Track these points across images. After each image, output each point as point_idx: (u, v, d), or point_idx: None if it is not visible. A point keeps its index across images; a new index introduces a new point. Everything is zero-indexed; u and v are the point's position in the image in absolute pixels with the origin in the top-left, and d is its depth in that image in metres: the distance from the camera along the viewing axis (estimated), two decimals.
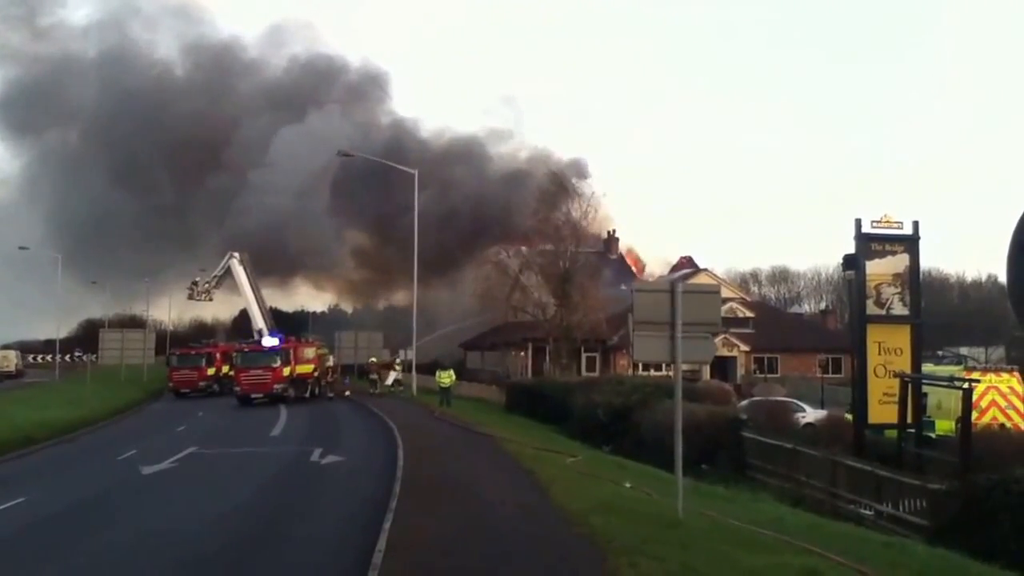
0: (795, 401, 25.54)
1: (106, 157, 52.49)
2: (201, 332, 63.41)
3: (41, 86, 54.82)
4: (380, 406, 27.66)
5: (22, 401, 31.80)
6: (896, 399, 14.94)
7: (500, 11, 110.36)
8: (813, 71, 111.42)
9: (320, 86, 54.12)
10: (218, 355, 40.26)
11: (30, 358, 69.77)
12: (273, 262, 45.29)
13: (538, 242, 37.26)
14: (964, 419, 13.35)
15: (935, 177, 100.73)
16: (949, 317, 54.59)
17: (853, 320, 17.75)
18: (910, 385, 15.02)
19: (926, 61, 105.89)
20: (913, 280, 16.21)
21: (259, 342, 35.12)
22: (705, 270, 44.89)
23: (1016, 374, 17.97)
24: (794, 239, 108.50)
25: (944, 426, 15.93)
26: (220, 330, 63.55)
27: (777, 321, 45.01)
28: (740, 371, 39.58)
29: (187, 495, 12.67)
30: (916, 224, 16.34)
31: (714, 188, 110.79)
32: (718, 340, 34.68)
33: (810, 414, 23.70)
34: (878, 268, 15.98)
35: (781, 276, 72.97)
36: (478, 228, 45.87)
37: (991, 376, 17.50)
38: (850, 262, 16.25)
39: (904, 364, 15.63)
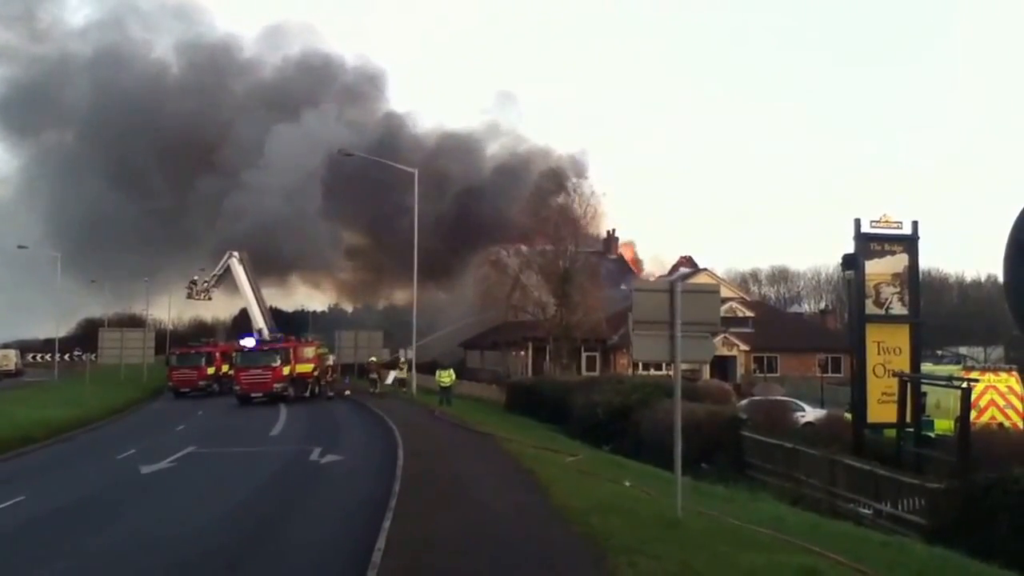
0: (794, 400, 25.55)
1: (104, 157, 52.54)
2: (201, 331, 63.31)
3: (38, 86, 54.89)
4: (380, 406, 27.66)
5: (21, 400, 31.79)
6: (895, 398, 14.96)
7: (503, 10, 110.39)
8: (813, 73, 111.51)
9: (316, 85, 54.17)
10: (218, 354, 40.24)
11: (29, 357, 69.73)
12: (268, 262, 45.28)
13: (537, 241, 37.28)
14: (963, 418, 13.37)
15: (934, 177, 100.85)
16: (948, 317, 54.64)
17: (852, 320, 17.75)
18: (909, 384, 15.04)
19: (925, 62, 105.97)
20: (912, 280, 16.23)
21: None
22: (705, 270, 44.93)
23: (1015, 374, 17.99)
24: (794, 239, 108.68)
25: (943, 425, 15.95)
26: (220, 329, 63.54)
27: (777, 321, 45.05)
28: (740, 370, 39.61)
29: (186, 494, 12.68)
30: (915, 224, 16.36)
31: (714, 188, 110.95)
32: (718, 340, 34.71)
33: (809, 413, 23.71)
34: (877, 268, 16.00)
35: (781, 276, 73.06)
36: (476, 227, 45.88)
37: (990, 376, 17.51)
38: (849, 262, 16.27)
39: (903, 364, 15.65)
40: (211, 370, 39.24)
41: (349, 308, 72.62)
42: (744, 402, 25.61)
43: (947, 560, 8.36)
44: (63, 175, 55.02)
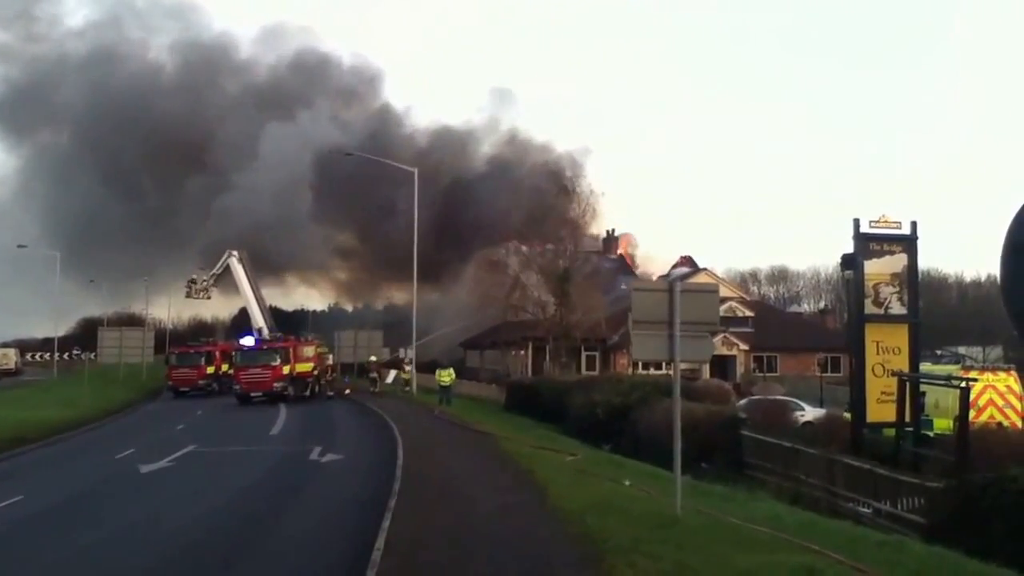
0: (794, 400, 25.57)
1: (100, 157, 52.60)
2: (200, 331, 63.34)
3: (35, 87, 54.96)
4: (380, 405, 27.68)
5: (20, 399, 31.82)
6: (894, 398, 14.98)
7: (502, 8, 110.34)
8: (814, 73, 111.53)
9: (311, 84, 54.26)
10: (217, 354, 40.24)
11: (28, 356, 69.71)
12: (260, 261, 45.33)
13: (536, 241, 37.29)
14: (961, 418, 13.39)
15: (934, 177, 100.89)
16: (947, 317, 54.68)
17: (851, 319, 17.77)
18: (908, 384, 15.07)
19: (925, 63, 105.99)
20: (911, 280, 16.26)
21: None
22: (705, 269, 44.94)
23: (1013, 373, 18.02)
24: (793, 239, 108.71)
25: (942, 425, 15.97)
26: (220, 329, 63.55)
27: (776, 320, 45.06)
28: (739, 370, 39.61)
29: (185, 493, 12.68)
30: (914, 224, 16.39)
31: (714, 188, 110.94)
32: (717, 339, 34.72)
33: (809, 413, 23.73)
34: (876, 268, 16.03)
35: (780, 275, 73.12)
36: (473, 226, 45.88)
37: (988, 375, 17.55)
38: (848, 262, 16.29)
39: (902, 363, 15.67)
40: (211, 369, 39.24)
41: (349, 307, 72.66)
42: (743, 401, 25.63)
43: (945, 559, 8.37)
44: (60, 175, 55.06)
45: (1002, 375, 17.73)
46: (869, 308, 15.97)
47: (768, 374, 38.47)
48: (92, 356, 42.09)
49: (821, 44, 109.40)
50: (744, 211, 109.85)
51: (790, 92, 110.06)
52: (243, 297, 40.91)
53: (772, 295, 71.01)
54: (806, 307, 67.57)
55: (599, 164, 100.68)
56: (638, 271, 48.95)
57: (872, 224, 16.09)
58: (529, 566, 7.23)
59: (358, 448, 17.53)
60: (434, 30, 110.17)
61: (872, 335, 15.88)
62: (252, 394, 31.97)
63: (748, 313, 41.33)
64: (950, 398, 15.34)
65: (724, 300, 36.76)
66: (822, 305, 64.08)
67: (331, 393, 35.28)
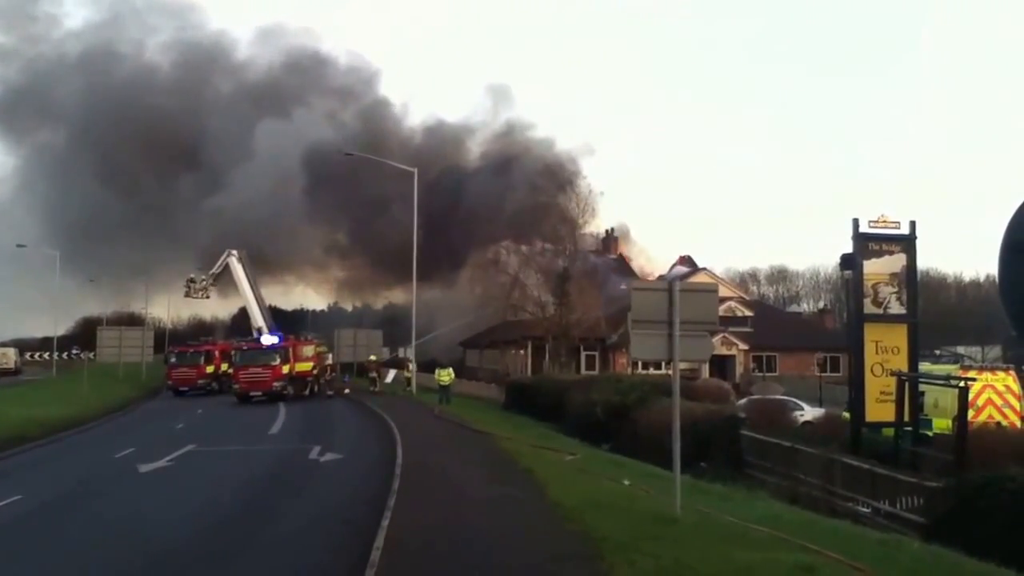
0: (793, 399, 25.60)
1: (99, 157, 52.61)
2: (200, 330, 63.33)
3: (33, 86, 54.96)
4: (379, 404, 27.67)
5: (19, 398, 31.78)
6: (893, 398, 15.01)
7: (501, 7, 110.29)
8: (812, 73, 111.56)
9: (306, 83, 54.31)
10: (217, 353, 40.22)
11: (27, 356, 69.70)
12: (258, 260, 45.30)
13: (535, 240, 37.30)
14: (960, 417, 13.43)
15: (933, 177, 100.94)
16: (946, 316, 54.74)
17: (851, 319, 17.80)
18: (907, 384, 15.10)
19: (925, 62, 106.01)
20: (910, 279, 16.28)
21: (258, 340, 35.14)
22: (704, 269, 44.97)
23: (1012, 373, 18.03)
24: (792, 239, 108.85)
25: (941, 424, 15.99)
26: (219, 328, 63.55)
27: (775, 320, 45.09)
28: (739, 370, 39.64)
29: (184, 493, 12.68)
30: (913, 224, 16.43)
31: (714, 188, 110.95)
32: (717, 339, 34.75)
33: (808, 412, 23.77)
34: (875, 267, 16.05)
35: (780, 275, 73.19)
36: (471, 226, 45.87)
37: (987, 375, 17.55)
38: (848, 261, 16.31)
39: (901, 363, 15.69)
40: (210, 369, 39.23)
41: (348, 307, 72.65)
42: (743, 401, 25.66)
43: (943, 558, 8.39)
44: (59, 174, 55.10)
45: (1001, 375, 17.75)
46: (868, 308, 16.00)
47: (767, 374, 38.51)
48: (91, 355, 42.09)
49: (822, 44, 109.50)
50: (743, 211, 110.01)
51: (791, 93, 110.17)
52: (242, 296, 40.85)
53: (771, 295, 71.08)
54: (805, 307, 67.64)
55: (598, 163, 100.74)
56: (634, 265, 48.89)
57: (871, 224, 16.11)
58: (529, 565, 7.23)
59: (357, 447, 17.53)
60: (432, 29, 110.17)
61: (871, 335, 15.91)
62: (251, 393, 31.96)
63: (747, 313, 41.36)
64: (949, 398, 15.36)
65: (723, 300, 36.78)
66: (821, 305, 64.13)
67: (330, 392, 35.27)
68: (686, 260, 49.05)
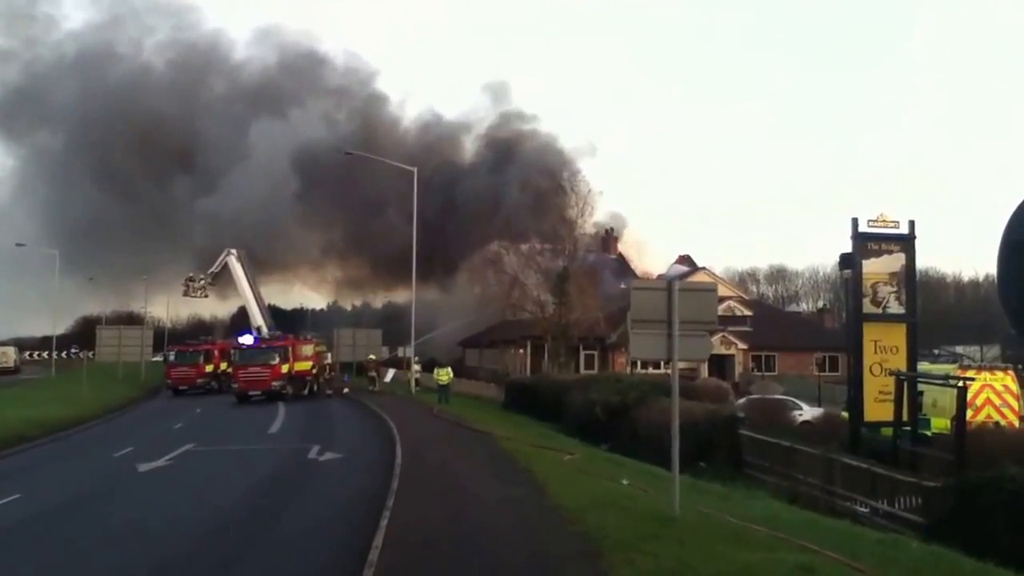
0: (792, 399, 25.63)
1: (97, 157, 52.61)
2: (199, 329, 63.31)
3: (32, 87, 54.92)
4: (379, 404, 27.66)
5: (18, 398, 31.76)
6: (892, 397, 15.02)
7: (498, 6, 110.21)
8: (811, 71, 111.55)
9: (304, 83, 54.27)
10: (216, 352, 40.22)
11: (26, 355, 69.69)
12: (256, 260, 45.32)
13: (535, 239, 37.30)
14: (959, 417, 13.43)
15: (932, 176, 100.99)
16: (945, 316, 54.79)
17: (849, 319, 17.81)
18: (906, 383, 15.11)
19: (924, 61, 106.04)
20: (909, 279, 16.30)
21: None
22: (703, 268, 45.00)
23: (1010, 372, 18.07)
24: (792, 238, 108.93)
25: (939, 424, 16.01)
26: (218, 327, 63.53)
27: (775, 319, 45.12)
28: (738, 369, 39.66)
29: (183, 492, 12.67)
30: (912, 223, 16.44)
31: (713, 187, 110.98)
32: (716, 338, 34.76)
33: (807, 412, 23.79)
34: (874, 267, 16.07)
35: (779, 275, 73.25)
36: (471, 225, 45.86)
37: (986, 374, 17.59)
38: (847, 261, 16.33)
39: (900, 362, 15.71)
40: (209, 368, 39.22)
41: (348, 306, 72.63)
42: (742, 400, 25.69)
43: (942, 557, 8.39)
44: (58, 175, 55.13)
45: (999, 374, 17.78)
46: (867, 307, 16.01)
47: (766, 373, 38.53)
48: (90, 355, 42.07)
49: (821, 42, 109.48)
50: (743, 210, 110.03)
51: (790, 90, 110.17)
52: (241, 296, 40.86)
53: (770, 294, 71.14)
54: (804, 306, 67.70)
55: (597, 162, 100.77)
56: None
57: (870, 224, 16.13)
58: (529, 564, 7.23)
59: (357, 447, 17.53)
60: (428, 25, 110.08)
61: (870, 334, 15.92)
62: (251, 393, 31.95)
63: (746, 312, 41.39)
64: (947, 397, 15.38)
65: (722, 299, 36.80)
66: (820, 304, 64.18)
67: (330, 392, 35.27)
68: (685, 259, 49.10)
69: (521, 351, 40.51)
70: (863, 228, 16.06)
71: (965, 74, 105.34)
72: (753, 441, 17.28)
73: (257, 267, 45.25)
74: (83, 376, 34.47)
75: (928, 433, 15.80)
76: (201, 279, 41.61)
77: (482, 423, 20.93)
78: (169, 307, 69.29)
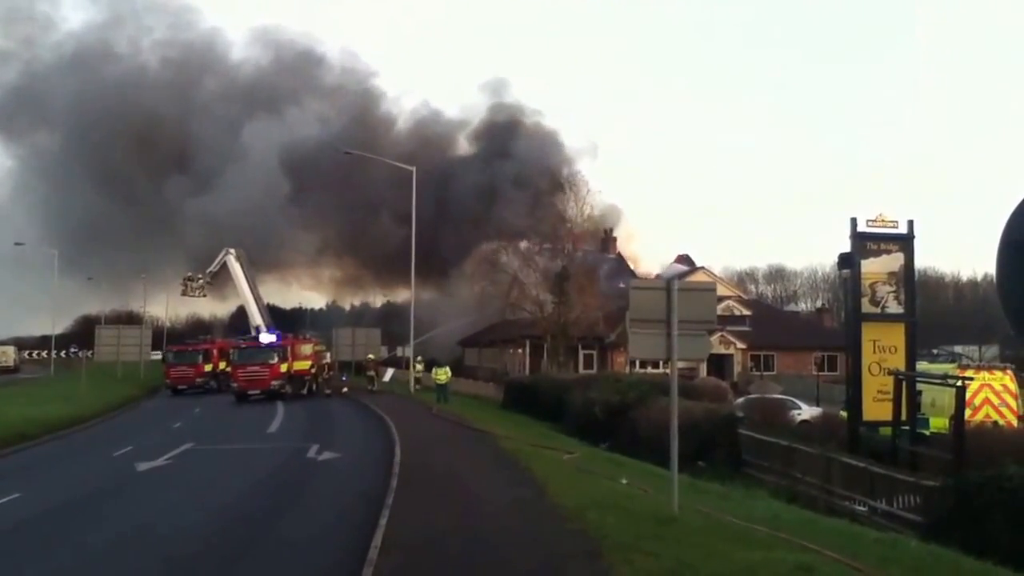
0: (791, 399, 25.66)
1: (96, 157, 52.56)
2: (198, 328, 63.24)
3: (31, 87, 54.88)
4: (378, 403, 27.66)
5: (17, 397, 31.71)
6: (891, 397, 15.04)
7: (494, 5, 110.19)
8: (810, 70, 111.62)
9: (301, 83, 54.21)
10: (215, 351, 40.17)
11: (25, 354, 69.62)
12: (253, 259, 45.22)
13: (534, 239, 37.31)
14: (958, 417, 13.45)
15: (931, 176, 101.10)
16: (943, 316, 54.87)
17: (848, 318, 17.83)
18: (904, 383, 15.13)
19: (923, 60, 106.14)
20: (908, 279, 16.34)
21: (256, 338, 35.09)
22: (702, 268, 45.04)
23: (1009, 372, 18.10)
24: (791, 238, 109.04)
25: (938, 423, 16.04)
26: (218, 326, 63.46)
27: (773, 319, 45.18)
28: (737, 369, 39.70)
29: (182, 492, 12.67)
30: (911, 223, 16.48)
31: (711, 186, 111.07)
32: (715, 338, 34.79)
33: (805, 411, 23.82)
34: (873, 267, 16.11)
35: (778, 274, 73.30)
36: (470, 224, 45.81)
37: (984, 374, 17.62)
38: (846, 261, 16.36)
39: (899, 362, 15.74)
40: (208, 367, 39.17)
41: (347, 305, 72.59)
42: (741, 400, 25.73)
43: (941, 557, 8.41)
44: (57, 174, 55.03)
45: (998, 374, 17.81)
46: (866, 307, 16.04)
47: (765, 373, 38.57)
48: (90, 354, 42.00)
49: (819, 41, 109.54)
50: (741, 210, 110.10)
51: (789, 90, 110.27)
52: (240, 295, 40.76)
53: (769, 294, 71.19)
54: (803, 306, 67.75)
55: (596, 162, 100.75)
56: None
57: (869, 223, 16.16)
58: (528, 564, 7.23)
59: (356, 446, 17.53)
60: (428, 27, 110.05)
61: (869, 334, 15.95)
62: (250, 392, 31.94)
63: (745, 312, 41.43)
64: (946, 397, 15.40)
65: (721, 299, 36.82)
66: (819, 304, 64.24)
67: (328, 391, 35.25)
68: (684, 259, 49.13)
69: (520, 350, 40.52)
70: (862, 228, 16.09)
71: (964, 73, 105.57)
72: (752, 440, 17.30)
73: (254, 266, 45.21)
74: (82, 375, 34.44)
75: (927, 432, 15.83)
76: (199, 278, 41.53)
77: (481, 422, 20.93)
78: (168, 306, 69.26)
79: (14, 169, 63.67)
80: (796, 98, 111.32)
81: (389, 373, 39.57)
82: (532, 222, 37.80)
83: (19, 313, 70.70)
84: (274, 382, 31.80)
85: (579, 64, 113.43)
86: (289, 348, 33.31)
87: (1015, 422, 16.73)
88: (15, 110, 56.24)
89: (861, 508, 12.97)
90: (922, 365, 19.54)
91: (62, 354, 60.50)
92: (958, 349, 45.68)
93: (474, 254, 41.16)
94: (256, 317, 39.26)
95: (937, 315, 51.86)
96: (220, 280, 41.45)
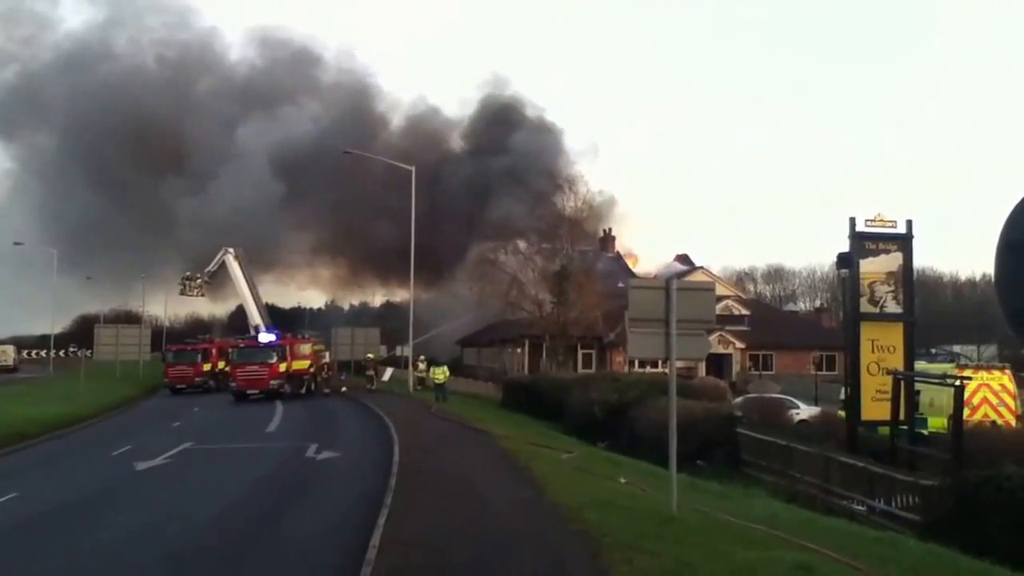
0: (789, 398, 25.68)
1: (94, 157, 52.53)
2: (197, 328, 63.19)
3: (28, 88, 54.81)
4: (377, 402, 27.66)
5: (16, 396, 31.68)
6: (889, 396, 15.05)
7: (496, 6, 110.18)
8: (809, 70, 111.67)
9: (297, 82, 54.21)
10: (214, 351, 40.14)
11: (24, 353, 69.54)
12: (251, 259, 45.16)
13: (533, 239, 37.31)
14: (956, 416, 13.46)
15: (929, 176, 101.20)
16: (942, 315, 54.93)
17: (847, 318, 17.85)
18: (903, 382, 15.15)
19: (921, 60, 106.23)
20: (906, 278, 16.36)
21: (255, 338, 35.07)
22: (701, 268, 45.07)
23: (1007, 372, 18.13)
24: (789, 237, 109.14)
25: (936, 423, 16.06)
26: (217, 326, 63.39)
27: (772, 319, 45.19)
28: (735, 368, 39.72)
29: (181, 491, 12.66)
30: (909, 223, 16.50)
31: (710, 186, 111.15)
32: (714, 337, 34.81)
33: (804, 411, 23.84)
34: (872, 266, 16.13)
35: (776, 274, 73.32)
36: (470, 224, 45.77)
37: (983, 374, 17.66)
38: (844, 260, 16.38)
39: (897, 362, 15.76)
40: (207, 367, 39.14)
41: (346, 305, 72.52)
42: (739, 400, 25.75)
43: (940, 556, 8.42)
44: (56, 174, 55.00)
45: (996, 373, 17.84)
46: (864, 307, 16.06)
47: (764, 372, 38.61)
48: (89, 353, 41.95)
49: (818, 40, 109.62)
50: (740, 209, 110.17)
51: (787, 90, 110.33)
52: (239, 294, 40.71)
53: (768, 293, 71.22)
54: (802, 305, 67.80)
55: (595, 162, 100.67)
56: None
57: (868, 223, 16.18)
58: (528, 563, 7.24)
59: (354, 445, 17.53)
60: (419, 25, 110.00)
61: (867, 333, 15.97)
62: (249, 391, 31.92)
63: (744, 311, 41.45)
64: (945, 397, 15.41)
65: (720, 298, 36.88)
66: (818, 303, 64.32)
67: (327, 390, 35.24)
68: (683, 258, 49.14)
69: (519, 350, 40.52)
70: (860, 228, 16.11)
71: (963, 73, 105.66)
72: (751, 440, 17.31)
73: (253, 266, 45.17)
74: (81, 375, 34.41)
75: (925, 432, 15.86)
76: (198, 278, 41.47)
77: (480, 421, 20.94)
78: (167, 306, 69.19)
79: (13, 169, 63.70)
80: (796, 98, 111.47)
81: (388, 372, 39.57)
82: (531, 221, 37.79)
83: (18, 312, 70.70)
84: (273, 381, 31.78)
85: (578, 64, 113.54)
86: (288, 347, 33.29)
87: (1013, 422, 16.76)
88: (14, 110, 56.22)
89: (860, 508, 12.99)
90: (920, 365, 19.56)
91: (61, 353, 60.50)
92: (957, 349, 45.72)
93: (472, 253, 41.16)
94: (255, 316, 39.23)
95: (936, 315, 51.92)
96: (219, 279, 41.40)
